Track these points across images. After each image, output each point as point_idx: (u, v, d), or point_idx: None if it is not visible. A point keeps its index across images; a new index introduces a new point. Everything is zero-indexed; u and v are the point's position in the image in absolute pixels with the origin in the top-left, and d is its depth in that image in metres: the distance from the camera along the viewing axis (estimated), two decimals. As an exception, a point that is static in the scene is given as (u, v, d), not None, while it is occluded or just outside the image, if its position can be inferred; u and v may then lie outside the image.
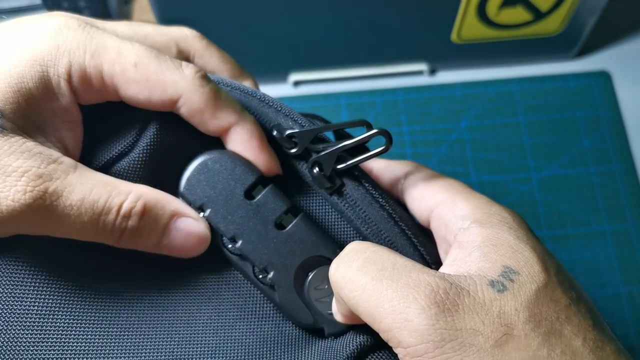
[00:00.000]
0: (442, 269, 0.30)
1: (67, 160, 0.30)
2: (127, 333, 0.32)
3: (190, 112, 0.31)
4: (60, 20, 0.31)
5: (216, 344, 0.33)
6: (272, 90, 0.70)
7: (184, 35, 0.36)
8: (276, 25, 0.63)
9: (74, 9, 0.68)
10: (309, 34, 0.65)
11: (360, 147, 0.33)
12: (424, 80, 0.71)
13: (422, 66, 0.70)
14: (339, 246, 0.33)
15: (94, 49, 0.30)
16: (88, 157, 0.32)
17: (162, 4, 0.60)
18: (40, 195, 0.28)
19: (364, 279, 0.28)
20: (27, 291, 0.31)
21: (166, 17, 0.61)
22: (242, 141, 0.32)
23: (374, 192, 0.34)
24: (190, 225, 0.32)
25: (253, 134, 0.32)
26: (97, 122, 0.33)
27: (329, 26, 0.64)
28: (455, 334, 0.26)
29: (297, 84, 0.70)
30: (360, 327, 0.32)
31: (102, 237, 0.30)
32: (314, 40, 0.66)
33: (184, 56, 0.36)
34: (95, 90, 0.31)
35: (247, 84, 0.38)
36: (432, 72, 0.71)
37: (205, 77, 0.32)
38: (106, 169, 0.32)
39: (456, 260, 0.30)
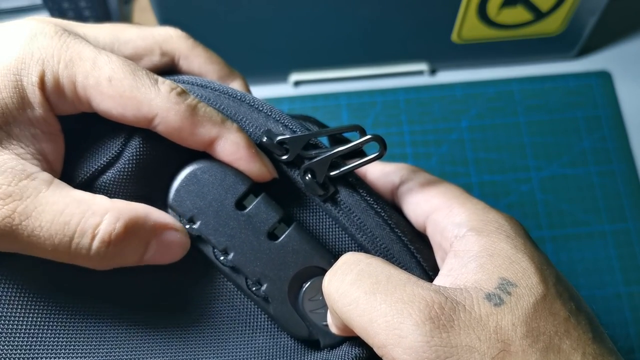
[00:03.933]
0: (437, 279, 0.30)
1: (42, 176, 0.29)
2: (117, 349, 0.32)
3: (167, 130, 0.30)
4: (36, 27, 0.30)
5: (210, 358, 0.33)
6: (273, 90, 0.70)
7: (168, 36, 0.35)
8: (277, 25, 0.63)
9: (75, 9, 0.68)
10: (309, 34, 0.65)
11: (355, 153, 0.33)
12: (425, 80, 0.71)
13: (423, 66, 0.70)
14: (334, 256, 0.32)
15: (69, 59, 0.29)
16: (71, 170, 0.31)
17: (163, 4, 0.60)
18: (8, 215, 0.27)
19: (357, 293, 0.28)
20: (14, 310, 0.31)
21: (167, 17, 0.61)
22: (228, 153, 0.32)
23: (369, 198, 0.33)
24: (172, 237, 0.31)
25: (238, 144, 0.31)
26: (79, 133, 0.32)
27: (329, 26, 0.64)
28: (450, 351, 0.25)
29: (297, 84, 0.70)
30: (356, 338, 0.32)
31: (78, 260, 0.29)
32: (314, 40, 0.66)
33: (168, 58, 0.35)
34: (69, 101, 0.30)
35: (236, 84, 0.37)
36: (433, 72, 0.71)
37: (182, 93, 0.31)
38: (91, 182, 0.32)
39: (452, 271, 0.29)
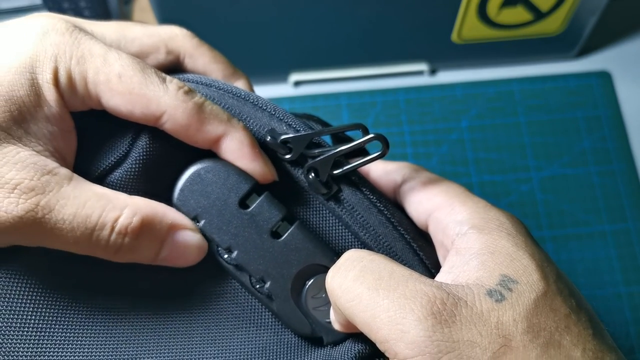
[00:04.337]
0: (439, 276, 0.30)
1: (63, 171, 0.29)
2: (124, 345, 0.32)
3: (174, 127, 0.31)
4: (47, 23, 0.30)
5: (214, 355, 0.33)
6: (273, 90, 0.70)
7: (174, 34, 0.36)
8: (277, 25, 0.63)
9: (75, 9, 0.68)
10: (310, 34, 0.65)
11: (357, 151, 0.33)
12: (425, 80, 0.71)
13: (423, 66, 0.70)
14: (337, 253, 0.33)
15: (80, 55, 0.30)
16: (80, 168, 0.32)
17: (163, 4, 0.60)
18: (32, 208, 0.28)
19: (360, 289, 0.28)
20: (24, 304, 0.31)
21: (167, 17, 0.61)
22: (233, 151, 0.32)
23: (371, 196, 0.33)
24: (188, 237, 0.32)
25: (243, 142, 0.32)
26: (88, 132, 0.32)
27: (330, 26, 0.64)
28: (452, 345, 0.25)
29: (297, 84, 0.70)
30: (358, 335, 0.32)
31: (97, 251, 0.30)
32: (315, 40, 0.66)
33: (173, 56, 0.36)
34: (79, 97, 0.30)
35: (240, 83, 0.38)
36: (433, 72, 0.71)
37: (189, 92, 0.31)
38: (99, 180, 0.32)
39: (453, 268, 0.29)
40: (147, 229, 0.30)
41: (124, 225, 0.30)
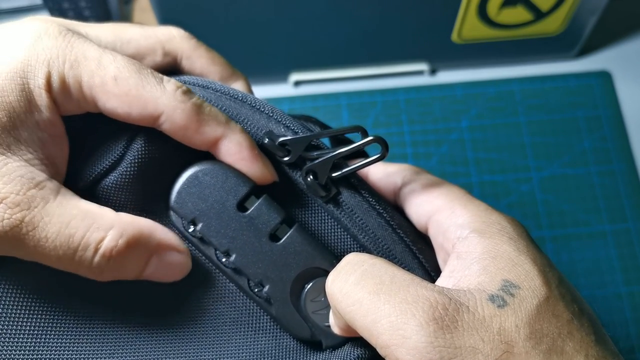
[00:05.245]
0: (440, 281, 0.30)
1: (50, 185, 0.29)
2: (120, 351, 0.32)
3: (172, 128, 0.30)
4: (40, 27, 0.30)
5: (212, 359, 0.33)
6: (273, 90, 0.70)
7: (171, 36, 0.35)
8: (277, 25, 0.63)
9: (75, 9, 0.68)
10: (310, 34, 0.65)
11: (356, 153, 0.33)
12: (425, 80, 0.71)
13: (423, 66, 0.70)
14: (336, 257, 0.32)
15: (74, 59, 0.29)
16: (75, 172, 0.31)
17: (163, 4, 0.60)
18: (16, 224, 0.27)
19: (361, 293, 0.28)
20: (18, 311, 0.31)
21: (167, 17, 0.61)
22: (231, 153, 0.32)
23: (371, 199, 0.33)
24: (173, 258, 0.32)
25: (242, 144, 0.31)
26: (82, 135, 0.32)
27: (330, 26, 0.64)
28: (454, 352, 0.25)
29: (297, 84, 0.70)
30: (358, 339, 0.31)
31: (80, 271, 0.29)
32: (315, 40, 0.66)
33: (170, 58, 0.35)
34: (74, 101, 0.30)
35: (238, 85, 0.37)
36: (433, 72, 0.71)
37: (187, 92, 0.31)
38: (94, 185, 0.32)
39: (454, 272, 0.29)
40: (132, 249, 0.30)
41: (109, 248, 0.29)
